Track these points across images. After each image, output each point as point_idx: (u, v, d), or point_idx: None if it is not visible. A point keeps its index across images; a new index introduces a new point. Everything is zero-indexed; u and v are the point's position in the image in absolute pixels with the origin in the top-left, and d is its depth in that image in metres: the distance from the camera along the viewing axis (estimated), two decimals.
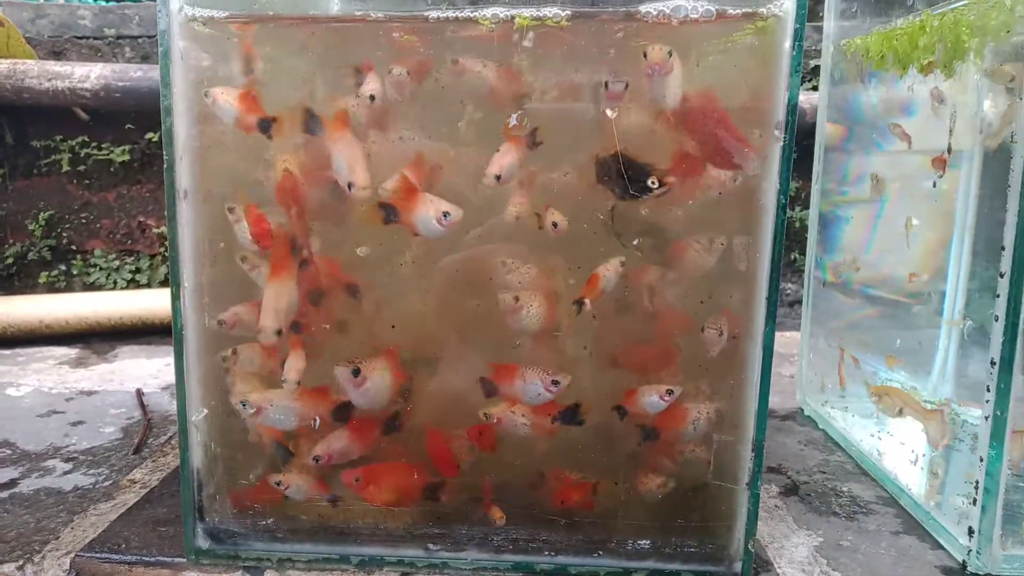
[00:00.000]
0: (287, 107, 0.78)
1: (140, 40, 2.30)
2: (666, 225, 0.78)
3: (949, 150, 1.00)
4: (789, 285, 2.32)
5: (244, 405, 0.81)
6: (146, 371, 1.65)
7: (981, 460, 0.83)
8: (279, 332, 0.80)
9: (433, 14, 0.74)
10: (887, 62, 1.12)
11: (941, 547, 0.91)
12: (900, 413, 1.05)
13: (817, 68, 1.60)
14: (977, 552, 0.85)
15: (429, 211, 0.76)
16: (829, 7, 1.29)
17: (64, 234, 2.26)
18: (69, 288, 2.26)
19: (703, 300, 0.79)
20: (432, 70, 0.77)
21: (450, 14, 0.74)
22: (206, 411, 0.83)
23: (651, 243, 0.78)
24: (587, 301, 0.78)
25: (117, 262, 2.26)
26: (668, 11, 0.72)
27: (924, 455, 1.03)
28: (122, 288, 2.22)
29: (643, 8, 0.72)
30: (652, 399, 0.80)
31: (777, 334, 0.78)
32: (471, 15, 0.74)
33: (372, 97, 0.76)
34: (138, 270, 2.26)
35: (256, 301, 0.81)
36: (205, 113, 0.78)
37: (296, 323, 0.81)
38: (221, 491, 0.85)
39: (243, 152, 0.80)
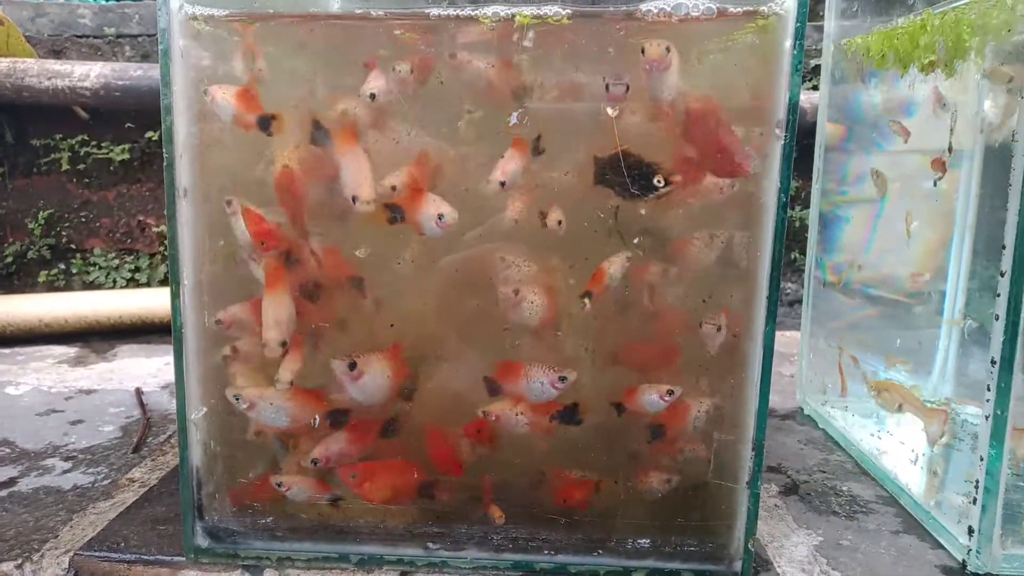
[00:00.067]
0: (287, 105, 0.78)
1: (140, 39, 2.30)
2: (668, 224, 0.78)
3: (950, 149, 1.00)
4: (789, 285, 2.32)
5: (238, 399, 0.81)
6: (145, 370, 1.65)
7: (981, 459, 0.83)
8: (284, 344, 0.80)
9: (434, 11, 0.74)
10: (888, 61, 1.12)
11: (941, 546, 0.91)
12: (900, 409, 1.05)
13: (817, 67, 1.60)
14: (977, 551, 0.85)
15: (431, 211, 0.77)
16: (830, 6, 1.29)
17: (64, 233, 2.26)
18: (68, 287, 2.26)
19: (704, 299, 0.79)
20: (434, 67, 0.77)
21: (451, 12, 0.74)
22: (205, 409, 0.83)
23: (652, 242, 0.78)
24: (592, 293, 0.78)
25: (116, 261, 2.26)
26: (669, 9, 0.72)
27: (924, 454, 1.03)
28: (121, 287, 2.22)
29: (644, 6, 0.72)
30: (652, 398, 0.79)
31: (777, 334, 0.78)
32: (472, 13, 0.74)
33: (373, 96, 0.76)
34: (137, 269, 2.26)
35: (254, 300, 0.81)
36: (205, 111, 0.77)
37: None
38: (220, 490, 0.85)
39: (243, 150, 0.80)
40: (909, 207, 1.12)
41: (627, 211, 0.77)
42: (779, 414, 1.38)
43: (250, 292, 0.82)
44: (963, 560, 0.87)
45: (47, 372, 1.62)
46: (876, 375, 1.17)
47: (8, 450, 1.18)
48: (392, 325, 0.82)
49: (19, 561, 0.85)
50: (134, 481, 1.06)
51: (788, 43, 0.71)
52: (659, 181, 0.75)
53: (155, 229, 2.27)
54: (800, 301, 2.21)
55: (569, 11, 0.73)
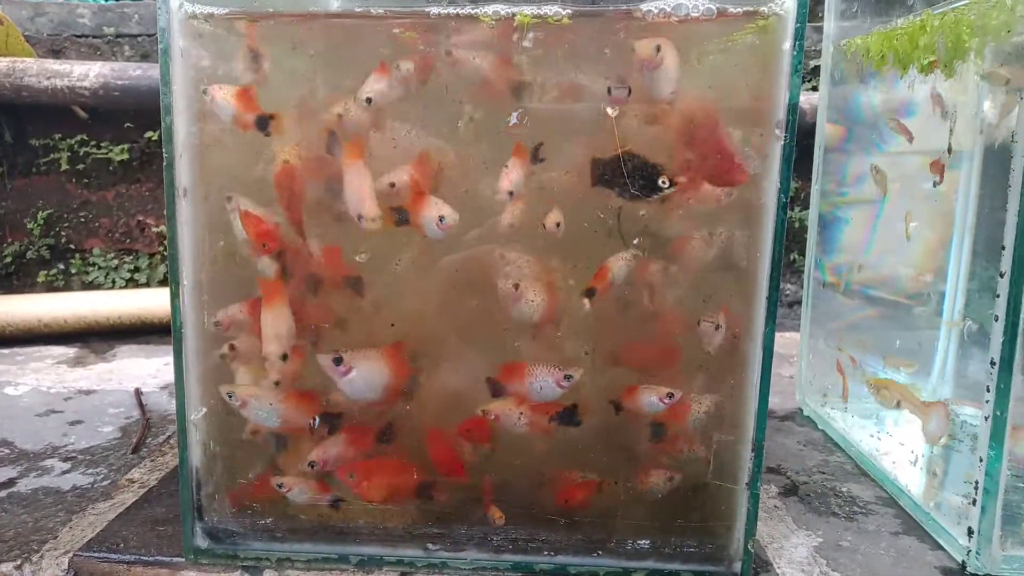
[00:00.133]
0: (285, 105, 0.78)
1: (139, 38, 2.30)
2: (668, 225, 0.78)
3: (950, 150, 1.00)
4: (789, 286, 2.32)
5: (231, 397, 0.81)
6: (145, 370, 1.65)
7: (981, 460, 0.83)
8: (284, 357, 0.80)
9: (434, 10, 0.74)
10: (887, 62, 1.12)
11: (940, 547, 0.91)
12: (898, 406, 1.04)
13: (817, 68, 1.60)
14: (976, 552, 0.85)
15: (432, 213, 0.77)
16: (829, 7, 1.29)
17: (63, 233, 2.25)
18: (68, 287, 2.25)
19: (704, 299, 0.79)
20: (435, 66, 0.77)
21: (451, 10, 0.74)
22: (205, 410, 0.83)
23: (652, 242, 0.78)
24: (596, 290, 0.78)
25: (116, 261, 2.26)
26: (669, 9, 0.72)
27: (923, 455, 1.03)
28: (121, 287, 2.22)
29: (644, 6, 0.72)
30: (651, 399, 0.79)
31: (777, 334, 0.78)
32: (472, 12, 0.74)
33: (369, 100, 0.76)
34: (137, 269, 2.26)
35: (253, 299, 0.81)
36: (204, 111, 0.77)
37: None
38: (220, 490, 0.85)
39: (243, 150, 0.80)
40: (909, 208, 1.12)
41: (627, 212, 0.77)
42: (779, 415, 1.38)
43: (249, 292, 0.81)
44: (963, 561, 0.87)
45: (46, 372, 1.62)
46: (876, 375, 1.17)
47: (7, 451, 1.18)
48: (393, 325, 0.82)
49: (18, 562, 0.85)
50: (133, 482, 1.06)
51: (788, 44, 0.71)
52: (663, 182, 0.75)
53: (154, 229, 2.27)
54: (800, 302, 2.21)
55: (569, 11, 0.73)
